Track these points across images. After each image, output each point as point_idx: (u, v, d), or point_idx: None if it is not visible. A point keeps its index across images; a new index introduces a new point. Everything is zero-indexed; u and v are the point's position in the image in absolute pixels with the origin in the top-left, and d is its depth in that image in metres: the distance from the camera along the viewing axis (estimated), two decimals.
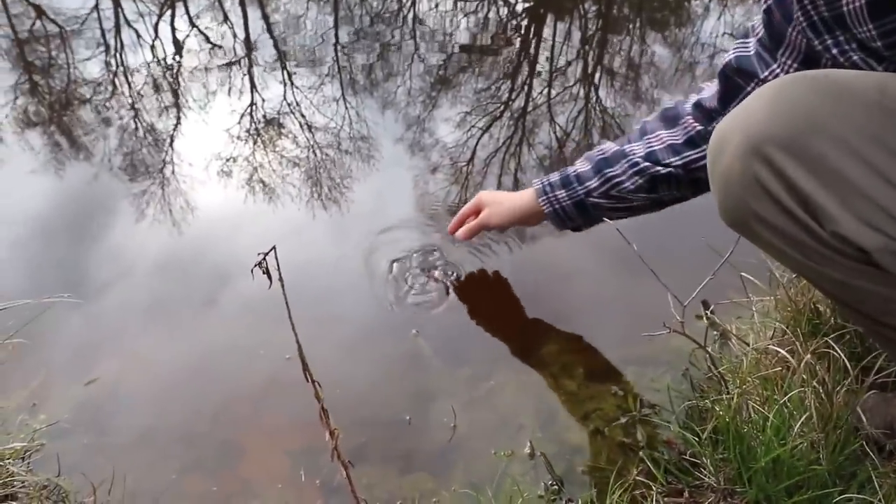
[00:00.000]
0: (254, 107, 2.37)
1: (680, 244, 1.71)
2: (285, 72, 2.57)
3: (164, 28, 2.88)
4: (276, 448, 1.30)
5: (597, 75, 2.69)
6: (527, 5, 3.26)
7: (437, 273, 1.67)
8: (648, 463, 1.20)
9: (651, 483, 1.16)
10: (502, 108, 2.39)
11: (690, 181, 1.28)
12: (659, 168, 1.29)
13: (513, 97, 2.47)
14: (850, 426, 1.11)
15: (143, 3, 3.03)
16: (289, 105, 2.38)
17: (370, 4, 3.11)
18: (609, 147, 1.38)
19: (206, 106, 2.37)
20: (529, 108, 2.41)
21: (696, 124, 1.25)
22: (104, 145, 2.15)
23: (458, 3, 3.16)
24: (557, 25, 3.04)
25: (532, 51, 2.83)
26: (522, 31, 3.03)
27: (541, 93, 2.50)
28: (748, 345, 1.32)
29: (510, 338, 1.53)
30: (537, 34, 2.97)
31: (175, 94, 2.44)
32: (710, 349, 1.27)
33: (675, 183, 1.30)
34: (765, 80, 1.06)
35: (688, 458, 1.19)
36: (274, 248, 0.83)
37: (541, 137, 2.25)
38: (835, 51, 0.92)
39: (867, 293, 0.91)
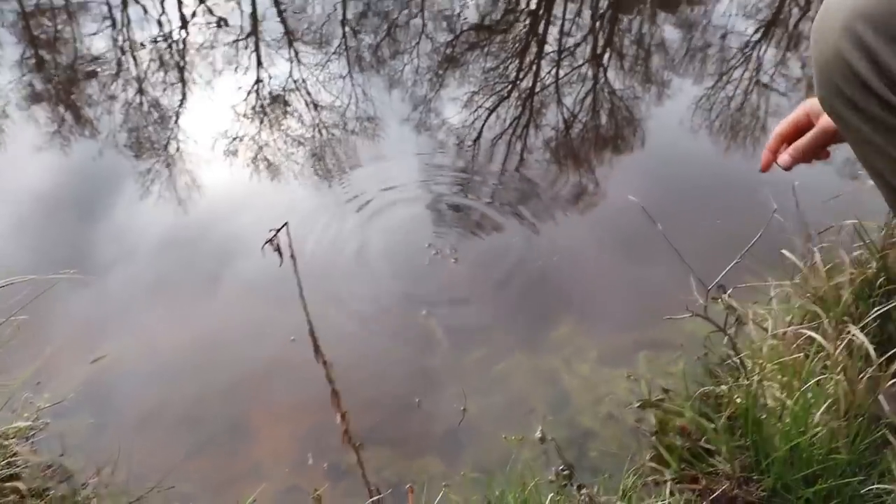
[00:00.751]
0: (260, 83, 2.34)
1: (694, 228, 1.68)
2: (292, 49, 2.53)
3: (171, 3, 2.83)
4: (282, 430, 1.29)
5: (606, 56, 2.64)
6: None
7: (446, 250, 1.65)
8: (661, 449, 1.18)
9: (664, 469, 1.15)
10: (510, 87, 2.35)
11: None
12: None
13: (520, 77, 2.43)
14: (871, 415, 1.08)
15: None
16: (295, 82, 2.34)
17: None
18: None
19: (212, 82, 2.33)
20: (537, 90, 2.37)
21: None
22: (109, 121, 2.12)
23: None
24: (567, 4, 2.99)
25: (541, 30, 2.78)
26: (532, 9, 2.98)
27: (549, 72, 2.46)
28: (766, 330, 1.29)
29: (521, 320, 1.51)
30: (547, 11, 2.92)
31: (181, 70, 2.41)
32: (730, 333, 1.24)
33: None
34: None
35: (702, 444, 1.17)
36: (286, 224, 0.81)
37: (548, 119, 2.22)
38: None
39: None
